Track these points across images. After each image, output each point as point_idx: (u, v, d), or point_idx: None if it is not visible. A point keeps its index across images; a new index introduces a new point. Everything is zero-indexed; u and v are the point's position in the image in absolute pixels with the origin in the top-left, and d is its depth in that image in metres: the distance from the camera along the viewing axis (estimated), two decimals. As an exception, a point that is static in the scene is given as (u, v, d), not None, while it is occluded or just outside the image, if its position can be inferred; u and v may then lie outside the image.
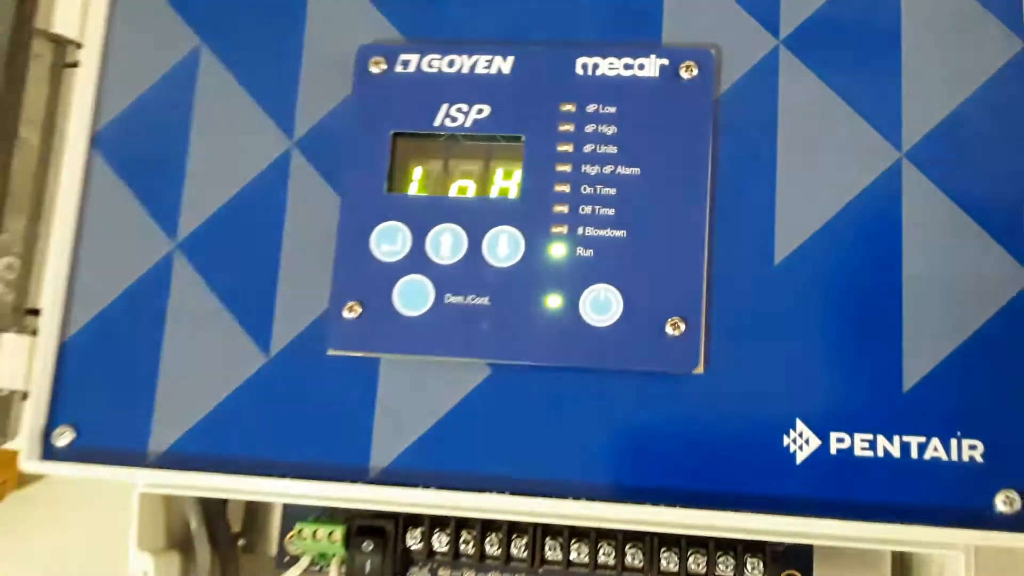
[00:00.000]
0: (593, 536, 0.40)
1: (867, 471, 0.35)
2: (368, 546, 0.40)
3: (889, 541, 0.35)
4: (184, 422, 0.39)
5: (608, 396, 0.37)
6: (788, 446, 0.35)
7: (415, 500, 0.37)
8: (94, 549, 0.50)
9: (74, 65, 0.43)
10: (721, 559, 0.39)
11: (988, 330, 0.35)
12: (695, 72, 0.38)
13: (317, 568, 0.43)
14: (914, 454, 0.35)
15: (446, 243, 0.38)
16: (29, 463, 0.39)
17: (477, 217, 0.38)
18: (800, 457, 0.35)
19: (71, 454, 0.39)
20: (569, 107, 0.38)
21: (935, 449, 0.35)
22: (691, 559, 0.39)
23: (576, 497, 0.36)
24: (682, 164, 0.37)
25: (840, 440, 0.35)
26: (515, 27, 0.40)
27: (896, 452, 0.35)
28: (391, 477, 0.37)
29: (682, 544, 0.39)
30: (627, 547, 0.40)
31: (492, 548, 0.40)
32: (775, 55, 0.38)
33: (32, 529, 0.53)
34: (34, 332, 0.40)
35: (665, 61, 0.38)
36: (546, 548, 0.40)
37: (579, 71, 0.39)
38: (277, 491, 0.38)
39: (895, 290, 0.36)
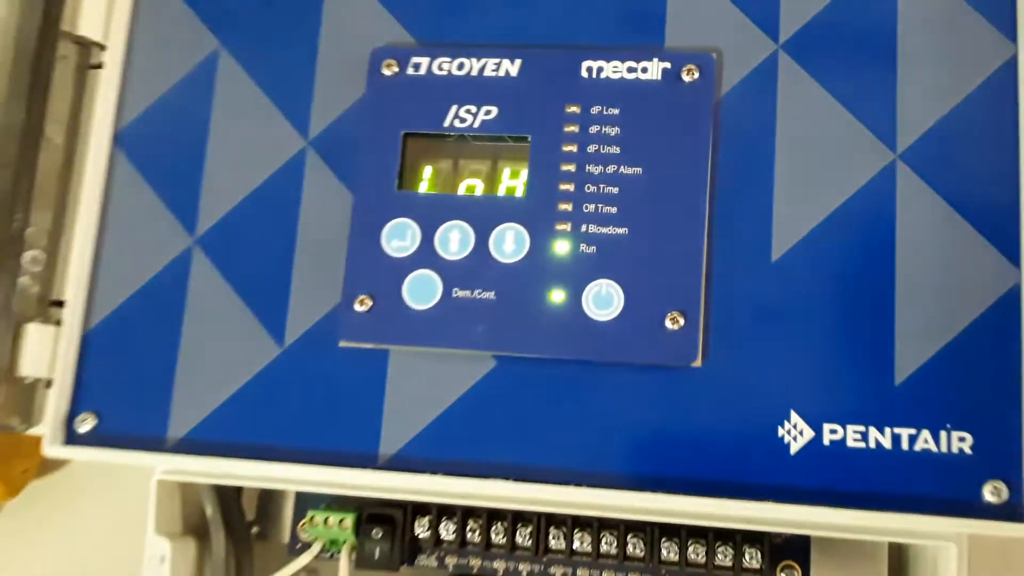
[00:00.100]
0: (596, 526, 0.40)
1: (859, 462, 0.35)
2: (377, 533, 0.41)
3: (879, 530, 0.36)
4: (201, 410, 0.39)
5: (609, 388, 0.37)
6: (783, 437, 0.36)
7: (422, 486, 0.37)
8: (113, 535, 0.51)
9: (98, 67, 0.43)
10: (720, 549, 0.39)
11: (978, 326, 0.36)
12: (696, 75, 0.39)
13: (328, 555, 0.43)
14: (905, 445, 0.35)
15: (454, 239, 0.39)
16: (52, 448, 0.40)
17: (484, 214, 0.39)
18: (794, 448, 0.36)
19: (93, 439, 0.40)
20: (574, 109, 0.39)
21: (925, 441, 0.35)
22: (691, 549, 0.40)
23: (577, 484, 0.36)
24: (683, 164, 0.38)
25: (833, 431, 0.36)
26: (522, 31, 0.40)
27: (888, 443, 0.35)
28: (399, 464, 0.38)
29: (682, 535, 0.40)
30: (628, 537, 0.40)
31: (497, 537, 0.41)
32: (774, 59, 0.39)
33: (52, 516, 0.53)
34: (58, 322, 0.41)
35: (667, 64, 0.39)
36: (550, 537, 0.41)
37: (584, 74, 0.39)
38: (289, 477, 0.38)
39: (888, 287, 0.36)
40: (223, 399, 0.39)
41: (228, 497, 0.44)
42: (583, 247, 0.38)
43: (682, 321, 0.37)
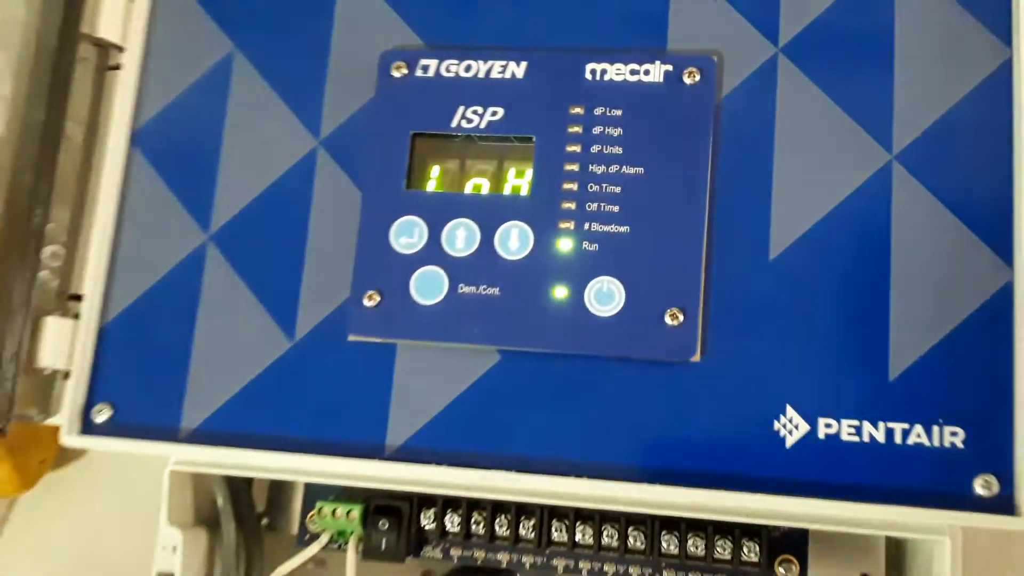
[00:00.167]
0: (597, 519, 0.41)
1: (853, 455, 0.36)
2: (384, 525, 0.41)
3: (872, 522, 0.36)
4: (214, 402, 0.40)
5: (610, 382, 0.38)
6: (779, 430, 0.36)
7: (427, 476, 0.38)
8: (125, 526, 0.52)
9: (116, 68, 0.44)
10: (719, 543, 0.40)
11: (970, 324, 0.36)
12: (697, 78, 0.39)
13: (336, 546, 0.43)
14: (898, 439, 0.36)
15: (460, 237, 0.39)
16: (69, 437, 0.40)
17: (490, 213, 0.39)
18: (790, 441, 0.36)
19: (108, 430, 0.40)
20: (578, 110, 0.40)
21: (918, 435, 0.36)
22: (690, 542, 0.40)
23: (578, 476, 0.37)
24: (683, 164, 0.38)
25: (828, 425, 0.36)
26: (528, 35, 0.41)
27: (881, 437, 0.36)
28: (405, 455, 0.38)
29: (682, 528, 0.40)
30: (629, 529, 0.40)
31: (501, 529, 0.41)
32: (774, 62, 0.39)
33: (68, 506, 0.54)
34: (76, 316, 0.42)
35: (669, 67, 0.39)
36: (553, 529, 0.41)
37: (588, 76, 0.40)
38: (298, 467, 0.39)
39: (883, 285, 0.37)
40: (235, 391, 0.40)
41: (239, 489, 0.44)
42: (586, 245, 0.39)
43: (681, 317, 0.37)
